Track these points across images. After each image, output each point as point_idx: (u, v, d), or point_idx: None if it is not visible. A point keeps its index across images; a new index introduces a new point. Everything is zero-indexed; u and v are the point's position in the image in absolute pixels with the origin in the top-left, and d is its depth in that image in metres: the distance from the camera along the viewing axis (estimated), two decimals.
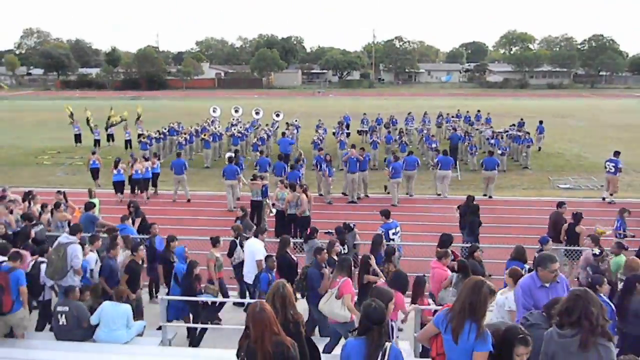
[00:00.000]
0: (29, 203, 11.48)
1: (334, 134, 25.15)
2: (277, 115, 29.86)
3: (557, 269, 5.32)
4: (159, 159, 18.81)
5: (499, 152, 20.97)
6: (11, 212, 10.36)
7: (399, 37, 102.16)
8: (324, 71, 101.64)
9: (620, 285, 7.15)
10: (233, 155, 17.14)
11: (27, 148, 27.90)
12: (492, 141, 22.72)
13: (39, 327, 7.97)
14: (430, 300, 7.44)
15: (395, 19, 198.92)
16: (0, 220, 9.62)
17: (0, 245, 7.77)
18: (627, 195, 17.47)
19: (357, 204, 16.68)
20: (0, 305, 6.82)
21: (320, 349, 6.49)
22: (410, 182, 17.75)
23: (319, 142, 21.79)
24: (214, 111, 31.09)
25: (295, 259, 8.64)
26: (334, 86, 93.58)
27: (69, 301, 7.00)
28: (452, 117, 31.39)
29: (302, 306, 7.77)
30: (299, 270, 8.23)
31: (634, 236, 10.89)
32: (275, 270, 8.07)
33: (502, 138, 24.14)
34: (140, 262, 8.25)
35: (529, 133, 24.07)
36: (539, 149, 26.01)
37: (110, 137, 28.32)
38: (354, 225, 10.19)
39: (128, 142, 26.32)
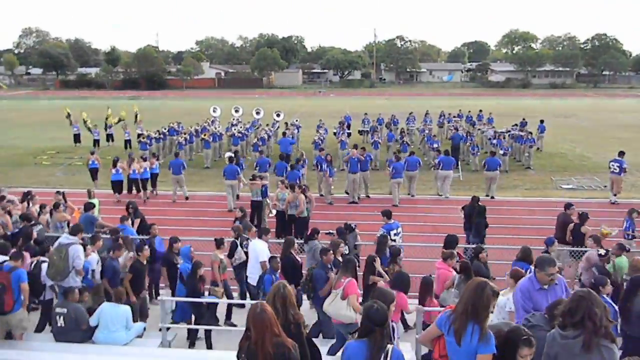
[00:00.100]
0: (28, 203, 11.43)
1: (334, 134, 25.08)
2: (278, 115, 29.81)
3: (556, 272, 5.29)
4: (157, 159, 18.76)
5: (501, 152, 20.89)
6: (8, 212, 10.28)
7: (400, 36, 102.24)
8: (325, 71, 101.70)
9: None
10: (233, 155, 17.07)
11: (26, 148, 27.87)
12: (494, 141, 22.63)
13: (40, 327, 7.93)
14: (435, 301, 7.38)
15: (396, 18, 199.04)
16: None
17: (0, 245, 7.74)
18: (630, 196, 17.39)
19: (358, 204, 16.59)
20: (2, 305, 6.79)
21: (325, 350, 6.42)
22: (412, 182, 17.67)
23: (320, 142, 21.72)
24: (214, 111, 31.03)
25: (299, 260, 8.57)
26: (335, 86, 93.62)
27: (68, 303, 6.96)
28: (454, 117, 31.32)
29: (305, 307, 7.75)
30: (303, 272, 8.15)
31: None
32: (279, 271, 8.01)
33: (504, 138, 24.05)
34: (144, 262, 8.22)
35: (531, 133, 23.99)
36: (537, 149, 25.88)
37: (109, 137, 28.28)
38: (355, 225, 10.13)
39: (128, 142, 26.27)
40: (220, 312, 8.33)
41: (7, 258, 7.21)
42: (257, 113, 30.32)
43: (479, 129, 27.84)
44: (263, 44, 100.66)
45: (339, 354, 6.34)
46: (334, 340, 7.07)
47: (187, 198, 17.00)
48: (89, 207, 10.84)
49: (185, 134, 24.33)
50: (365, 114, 31.11)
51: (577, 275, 8.93)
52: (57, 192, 12.15)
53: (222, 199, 16.37)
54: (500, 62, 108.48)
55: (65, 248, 7.67)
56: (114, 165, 16.71)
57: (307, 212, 12.95)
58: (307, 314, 8.53)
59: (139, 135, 24.61)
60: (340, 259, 7.80)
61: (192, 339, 8.00)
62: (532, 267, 7.30)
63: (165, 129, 25.42)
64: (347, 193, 17.34)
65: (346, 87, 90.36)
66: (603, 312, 3.90)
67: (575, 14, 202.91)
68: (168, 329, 8.00)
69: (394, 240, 9.65)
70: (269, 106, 38.79)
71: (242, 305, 8.69)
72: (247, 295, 9.26)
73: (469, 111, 32.97)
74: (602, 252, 8.26)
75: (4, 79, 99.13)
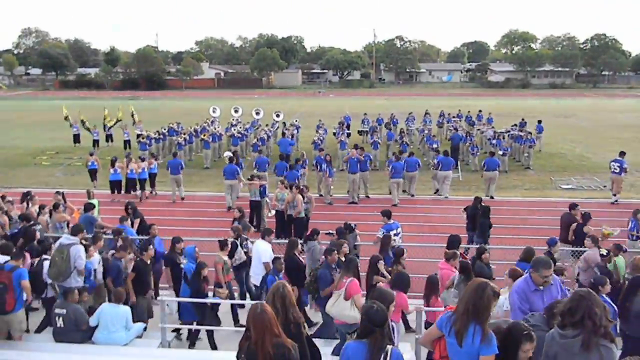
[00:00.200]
0: (27, 204, 11.41)
1: (334, 134, 25.07)
2: (277, 116, 29.81)
3: (550, 275, 5.31)
4: (156, 159, 18.76)
5: (500, 152, 20.90)
6: (6, 213, 10.27)
7: (399, 36, 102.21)
8: (325, 71, 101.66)
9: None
10: (232, 155, 17.07)
11: (26, 148, 27.84)
12: (494, 141, 22.64)
13: (43, 325, 7.91)
14: (440, 301, 7.36)
15: (396, 19, 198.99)
16: None
17: (2, 245, 7.75)
18: (629, 196, 17.39)
19: (357, 204, 16.58)
20: (3, 304, 6.79)
21: (329, 351, 6.40)
22: (412, 183, 17.68)
23: (320, 142, 21.72)
24: (213, 111, 31.02)
25: (303, 261, 8.56)
26: (335, 86, 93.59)
27: (67, 304, 6.94)
28: (454, 117, 31.31)
29: None
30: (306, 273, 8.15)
31: None
32: (283, 272, 8.01)
33: (503, 138, 24.06)
34: (148, 261, 8.21)
35: (530, 133, 24.00)
36: (539, 150, 25.87)
37: (109, 138, 28.27)
38: (355, 225, 10.12)
39: (127, 143, 26.23)
40: (222, 313, 8.30)
41: (8, 258, 7.21)
42: (257, 113, 30.31)
43: (478, 129, 27.83)
44: (262, 44, 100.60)
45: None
46: (334, 340, 7.06)
47: (182, 198, 17.01)
48: (88, 207, 10.83)
49: (184, 134, 24.32)
50: (365, 114, 31.10)
51: (575, 275, 8.93)
52: (57, 192, 12.14)
53: (221, 199, 16.36)
54: (500, 62, 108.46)
55: (66, 249, 7.67)
56: (112, 165, 16.76)
57: (307, 212, 12.96)
58: (314, 315, 8.57)
59: (138, 136, 24.60)
60: (343, 259, 7.80)
61: (192, 340, 8.00)
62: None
63: (164, 129, 25.41)
64: (348, 193, 17.34)
65: (346, 88, 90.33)
66: (603, 312, 3.91)
67: (575, 14, 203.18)
68: (178, 330, 8.03)
69: (394, 241, 9.65)
70: (269, 106, 38.78)
71: (242, 306, 8.68)
72: (247, 295, 9.27)
73: (469, 111, 32.97)
74: (604, 252, 8.26)
75: (3, 79, 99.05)
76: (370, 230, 11.00)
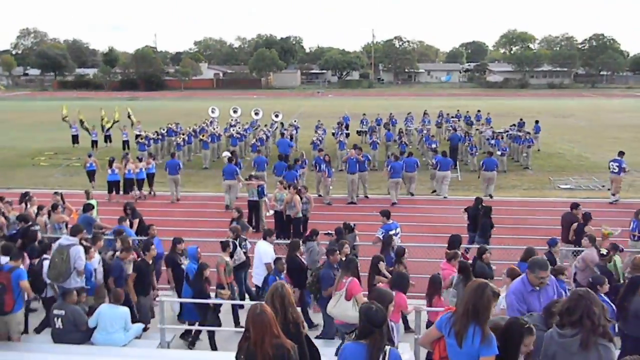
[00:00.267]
0: (26, 204, 11.38)
1: (333, 134, 25.07)
2: (277, 116, 29.79)
3: (547, 276, 5.35)
4: (154, 159, 18.74)
5: (499, 152, 20.91)
6: (2, 214, 10.25)
7: (398, 37, 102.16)
8: (323, 71, 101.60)
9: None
10: (230, 154, 17.07)
11: (24, 149, 27.79)
12: (492, 141, 22.66)
13: (43, 325, 7.89)
14: (443, 300, 7.36)
15: (394, 19, 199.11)
16: None
17: (4, 245, 7.73)
18: (628, 195, 17.41)
19: (356, 204, 16.58)
20: (2, 305, 6.79)
21: (332, 352, 6.39)
22: (411, 183, 17.68)
23: (319, 142, 21.72)
24: (212, 112, 30.99)
25: (305, 262, 8.54)
26: (333, 86, 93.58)
27: (66, 305, 6.92)
28: (452, 117, 31.33)
29: None
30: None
31: None
32: (285, 273, 8.01)
33: (502, 138, 24.09)
34: (150, 261, 8.19)
35: (529, 133, 24.03)
36: (538, 150, 25.89)
37: (107, 139, 28.22)
38: (354, 225, 10.11)
39: (126, 143, 26.19)
40: (222, 313, 8.28)
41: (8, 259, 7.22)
42: (256, 114, 30.28)
43: (477, 129, 27.86)
44: (261, 44, 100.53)
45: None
46: (334, 341, 7.05)
47: (177, 200, 16.97)
48: (87, 208, 10.79)
49: (183, 134, 24.29)
50: (364, 114, 31.11)
51: (572, 275, 8.95)
52: (55, 193, 12.11)
53: (220, 199, 16.36)
54: (498, 62, 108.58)
55: (66, 249, 7.66)
56: (110, 166, 16.76)
57: (306, 212, 12.96)
58: (314, 316, 8.57)
59: (137, 136, 24.55)
60: (343, 259, 7.81)
61: (192, 340, 7.99)
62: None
63: (163, 129, 25.37)
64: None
65: (344, 88, 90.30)
66: (601, 311, 3.92)
67: (573, 14, 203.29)
68: (188, 332, 8.01)
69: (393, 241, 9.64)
70: (268, 107, 38.77)
71: (242, 306, 8.68)
72: (247, 296, 9.26)
73: (467, 111, 33.01)
74: (604, 251, 8.27)
75: (1, 80, 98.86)
76: (369, 231, 11.00)
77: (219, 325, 7.88)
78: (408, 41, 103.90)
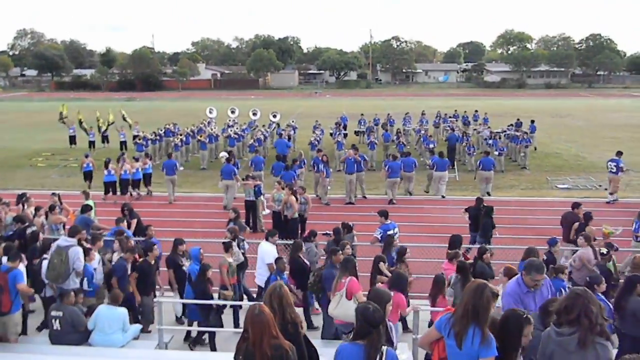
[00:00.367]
0: (23, 205, 11.35)
1: (331, 134, 25.06)
2: (274, 116, 29.77)
3: (542, 279, 5.37)
4: (150, 159, 18.70)
5: (496, 152, 20.94)
6: None
7: (396, 37, 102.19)
8: (321, 71, 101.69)
9: None
10: (227, 154, 17.05)
11: (21, 150, 27.69)
12: (490, 141, 22.68)
13: (44, 325, 7.87)
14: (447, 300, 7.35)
15: (392, 19, 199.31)
16: None
17: (6, 246, 7.72)
18: (625, 195, 17.45)
19: (354, 205, 16.58)
20: None
21: (328, 352, 6.37)
22: (410, 183, 17.69)
23: (317, 143, 21.71)
24: (210, 112, 30.96)
25: (307, 263, 8.53)
26: (331, 87, 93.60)
27: (64, 306, 6.90)
28: (450, 117, 31.37)
29: None
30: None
31: None
32: (287, 273, 7.99)
33: (500, 138, 24.11)
34: (153, 262, 8.17)
35: (527, 133, 24.08)
36: (534, 148, 25.93)
37: (105, 139, 28.17)
38: (352, 225, 10.11)
39: (123, 144, 26.15)
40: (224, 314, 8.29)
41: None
42: (254, 114, 30.27)
43: (474, 129, 27.89)
44: (259, 44, 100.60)
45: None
46: (334, 341, 7.03)
47: (170, 202, 16.85)
48: (86, 209, 10.72)
49: (181, 135, 24.26)
50: (362, 114, 31.11)
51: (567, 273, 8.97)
52: (53, 194, 12.07)
53: (218, 200, 16.34)
54: (496, 62, 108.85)
55: (65, 251, 7.64)
56: (106, 167, 16.74)
57: (304, 213, 12.95)
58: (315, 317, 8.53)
59: (134, 137, 24.54)
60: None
61: (196, 341, 7.96)
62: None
63: (161, 130, 25.33)
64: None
65: (342, 88, 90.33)
66: (599, 310, 3.93)
67: (570, 14, 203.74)
68: (192, 336, 7.98)
69: None
70: (266, 107, 38.76)
71: (240, 307, 8.66)
72: (245, 297, 9.25)
73: (465, 111, 33.05)
74: (604, 251, 8.29)
75: None
76: (367, 231, 11.00)
77: (222, 326, 7.88)
78: (406, 41, 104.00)
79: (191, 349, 7.87)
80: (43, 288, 7.96)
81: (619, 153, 16.95)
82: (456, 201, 16.50)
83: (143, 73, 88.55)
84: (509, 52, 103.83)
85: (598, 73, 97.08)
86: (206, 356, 7.55)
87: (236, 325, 8.27)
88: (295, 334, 4.43)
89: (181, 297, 8.30)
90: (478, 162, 17.99)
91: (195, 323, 8.14)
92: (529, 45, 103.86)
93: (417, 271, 9.30)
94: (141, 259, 8.17)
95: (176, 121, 29.28)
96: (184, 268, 8.46)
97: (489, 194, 17.05)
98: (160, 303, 7.42)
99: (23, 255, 7.87)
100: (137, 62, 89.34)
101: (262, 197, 14.33)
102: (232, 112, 31.32)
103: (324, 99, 67.54)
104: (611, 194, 16.78)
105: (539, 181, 19.90)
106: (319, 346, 4.88)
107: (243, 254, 9.20)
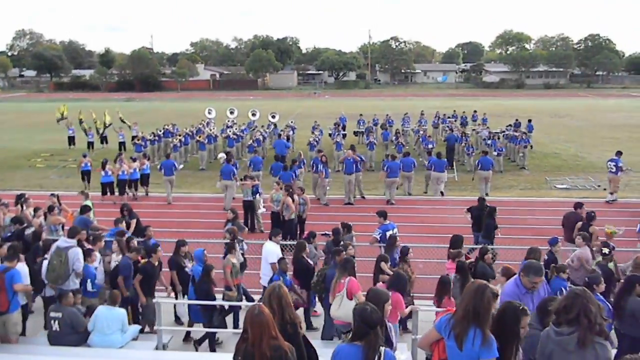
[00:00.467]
0: (21, 206, 11.34)
1: (330, 135, 25.06)
2: (273, 117, 29.78)
3: (540, 281, 5.40)
4: (148, 160, 18.70)
5: (495, 153, 20.95)
6: None
7: (394, 37, 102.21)
8: (320, 72, 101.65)
9: None
10: (225, 155, 17.04)
11: (20, 151, 27.65)
12: (489, 142, 22.69)
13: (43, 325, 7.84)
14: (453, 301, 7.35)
15: (391, 20, 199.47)
16: None
17: (11, 247, 7.69)
18: (624, 195, 17.46)
19: (353, 205, 16.57)
20: None
21: (328, 352, 6.36)
22: (409, 182, 17.69)
23: (315, 143, 21.70)
24: (209, 113, 30.95)
25: (312, 263, 8.52)
26: (330, 87, 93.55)
27: (63, 307, 6.89)
28: (449, 117, 31.39)
29: None
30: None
31: None
32: (289, 272, 7.98)
33: (498, 138, 24.14)
34: (156, 263, 8.16)
35: (525, 133, 24.11)
36: (530, 147, 25.92)
37: (103, 140, 28.15)
38: (351, 225, 10.09)
39: (122, 144, 26.13)
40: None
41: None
42: (253, 114, 30.26)
43: (473, 130, 27.91)
44: (258, 45, 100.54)
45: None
46: (333, 341, 7.03)
47: (169, 203, 16.85)
48: (85, 209, 10.70)
49: (180, 135, 24.26)
50: (361, 115, 31.11)
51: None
52: (52, 194, 12.05)
53: (217, 200, 16.34)
54: (495, 62, 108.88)
55: (64, 252, 7.63)
56: (103, 168, 16.72)
57: (303, 213, 12.94)
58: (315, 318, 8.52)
59: (133, 137, 24.53)
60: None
61: (200, 342, 7.94)
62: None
63: (160, 130, 25.32)
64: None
65: (341, 88, 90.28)
66: (598, 310, 3.93)
67: (569, 14, 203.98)
68: (194, 338, 7.98)
69: None
70: (264, 107, 38.77)
71: (240, 307, 8.65)
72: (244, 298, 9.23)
73: (464, 112, 33.07)
74: (606, 251, 8.30)
75: None
76: (366, 231, 11.00)
77: (225, 327, 7.86)
78: (404, 42, 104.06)
79: (196, 349, 7.85)
80: (43, 288, 7.95)
81: (619, 153, 16.99)
82: (455, 201, 16.51)
83: (142, 74, 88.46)
84: (508, 52, 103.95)
85: (597, 73, 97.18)
86: (206, 356, 7.53)
87: (236, 325, 8.27)
88: (295, 334, 4.42)
89: (184, 298, 8.29)
90: (477, 162, 18.00)
91: (196, 324, 8.12)
92: (527, 46, 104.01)
93: (417, 271, 9.29)
94: (144, 260, 8.15)
95: (175, 122, 29.27)
96: (186, 269, 8.45)
97: (487, 194, 17.06)
98: (159, 304, 7.41)
99: (22, 256, 7.87)
100: (136, 62, 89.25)
101: (258, 195, 14.31)
102: (231, 112, 31.31)
103: (323, 100, 67.52)
104: (611, 193, 16.80)
105: (538, 181, 19.91)
106: (318, 347, 4.86)
107: (242, 254, 9.19)
